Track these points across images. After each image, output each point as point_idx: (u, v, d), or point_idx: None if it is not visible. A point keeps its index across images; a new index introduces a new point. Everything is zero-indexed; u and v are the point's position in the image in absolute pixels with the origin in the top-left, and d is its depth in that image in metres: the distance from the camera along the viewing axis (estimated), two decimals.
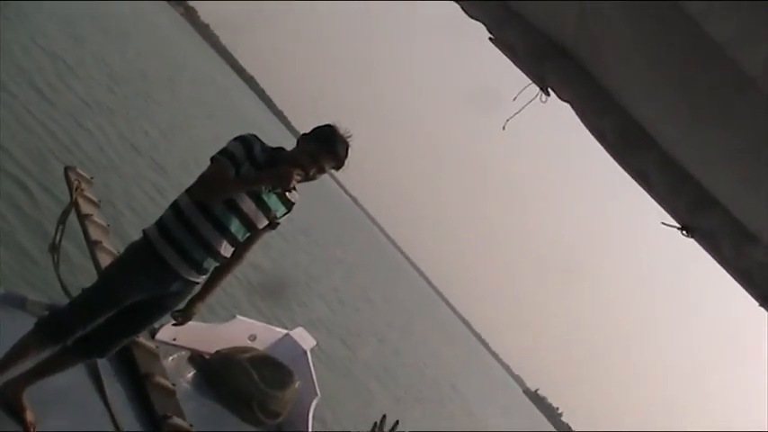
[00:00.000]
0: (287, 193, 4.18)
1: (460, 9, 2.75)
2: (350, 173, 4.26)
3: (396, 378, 23.88)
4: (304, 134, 4.21)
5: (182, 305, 4.30)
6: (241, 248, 4.26)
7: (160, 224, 4.09)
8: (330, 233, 46.29)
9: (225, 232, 4.04)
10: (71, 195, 5.65)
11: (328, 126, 4.15)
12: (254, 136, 4.17)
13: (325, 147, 4.09)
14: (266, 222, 4.18)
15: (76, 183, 5.73)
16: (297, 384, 6.22)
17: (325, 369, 13.98)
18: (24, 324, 4.36)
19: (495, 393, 78.56)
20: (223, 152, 4.03)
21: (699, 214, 2.78)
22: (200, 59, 79.53)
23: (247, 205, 4.05)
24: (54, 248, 5.26)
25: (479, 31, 2.86)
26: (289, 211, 4.26)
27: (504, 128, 2.80)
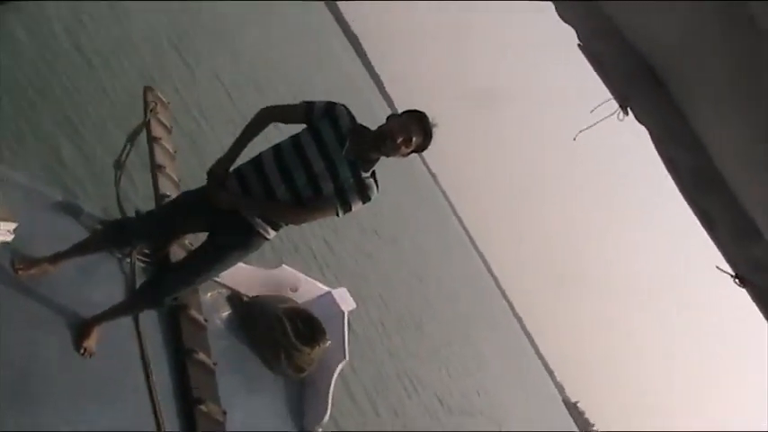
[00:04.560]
0: (364, 180, 4.20)
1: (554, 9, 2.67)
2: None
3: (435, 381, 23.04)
4: (392, 114, 4.26)
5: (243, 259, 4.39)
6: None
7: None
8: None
9: (286, 175, 4.13)
10: (145, 115, 5.70)
11: (417, 111, 4.20)
12: (344, 107, 4.24)
13: (413, 117, 4.14)
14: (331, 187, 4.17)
15: (153, 104, 5.78)
16: (327, 344, 6.22)
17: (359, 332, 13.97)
18: (76, 233, 4.52)
19: (537, 400, 77.33)
20: (309, 101, 4.23)
21: (759, 273, 2.68)
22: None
23: (315, 159, 4.13)
24: (119, 165, 5.32)
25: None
26: (361, 196, 4.22)
27: (575, 139, 2.73)
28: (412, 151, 4.15)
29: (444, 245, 71.87)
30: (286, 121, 4.26)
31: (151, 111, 5.74)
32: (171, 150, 5.86)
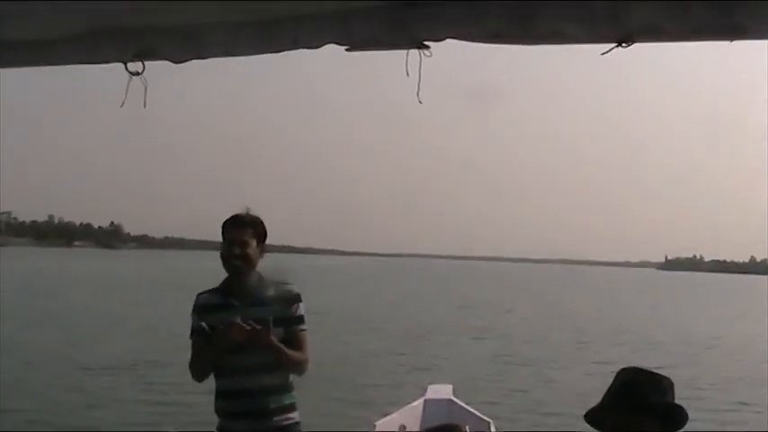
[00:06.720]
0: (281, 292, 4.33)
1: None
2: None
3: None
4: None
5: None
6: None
7: None
8: None
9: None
10: None
11: (229, 219, 4.37)
12: (199, 295, 4.41)
13: (228, 228, 4.32)
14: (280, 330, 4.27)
15: None
16: (467, 429, 6.14)
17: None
18: None
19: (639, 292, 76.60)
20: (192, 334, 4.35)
21: (620, 21, 2.79)
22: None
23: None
24: None
25: None
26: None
27: (420, 101, 2.80)
28: (260, 242, 4.29)
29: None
30: (210, 357, 4.29)
31: None
32: None
